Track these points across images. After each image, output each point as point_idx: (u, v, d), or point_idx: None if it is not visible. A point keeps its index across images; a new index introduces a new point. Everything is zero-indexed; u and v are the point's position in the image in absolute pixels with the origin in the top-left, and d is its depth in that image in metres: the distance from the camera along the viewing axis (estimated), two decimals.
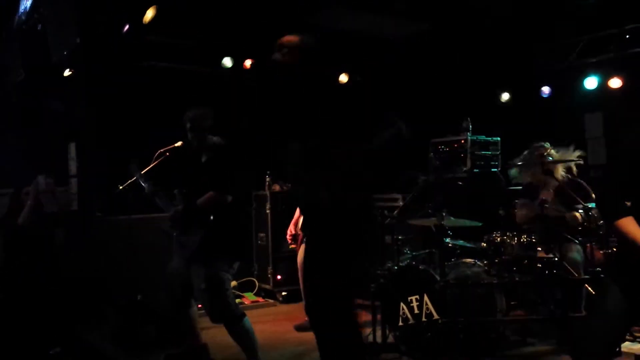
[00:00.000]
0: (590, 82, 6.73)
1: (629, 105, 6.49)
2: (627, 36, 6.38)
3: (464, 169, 5.83)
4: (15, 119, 5.78)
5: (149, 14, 4.97)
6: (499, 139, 6.12)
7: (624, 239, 2.76)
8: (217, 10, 5.75)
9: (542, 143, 4.98)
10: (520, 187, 5.24)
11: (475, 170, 5.86)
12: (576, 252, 4.60)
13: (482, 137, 6.02)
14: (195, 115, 4.04)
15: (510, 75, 7.51)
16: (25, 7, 5.18)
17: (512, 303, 4.50)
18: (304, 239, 4.79)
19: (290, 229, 5.63)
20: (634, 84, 6.45)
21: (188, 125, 4.05)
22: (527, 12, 6.14)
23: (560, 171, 4.83)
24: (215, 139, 4.08)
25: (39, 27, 5.05)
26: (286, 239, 5.73)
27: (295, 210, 5.69)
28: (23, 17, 5.21)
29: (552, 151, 4.90)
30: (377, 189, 3.62)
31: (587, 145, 6.98)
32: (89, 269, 5.28)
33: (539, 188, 4.97)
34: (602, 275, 4.09)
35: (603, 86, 6.65)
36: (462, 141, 5.96)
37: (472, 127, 6.03)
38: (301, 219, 5.46)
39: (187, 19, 5.90)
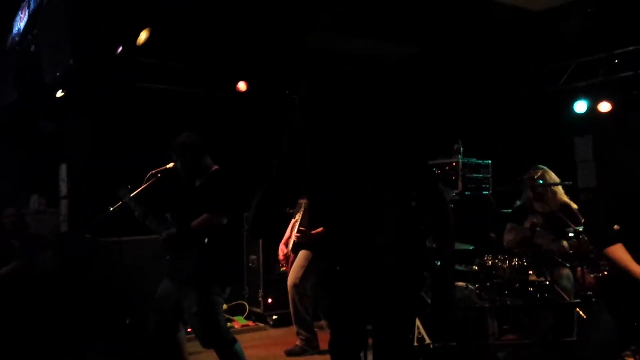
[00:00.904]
0: (580, 106, 6.80)
1: (618, 129, 6.55)
2: (616, 61, 6.48)
3: (456, 191, 5.85)
4: (6, 139, 5.77)
5: (142, 36, 4.99)
6: (490, 162, 6.16)
7: (615, 266, 2.77)
8: (210, 33, 5.79)
9: (539, 166, 5.00)
10: (510, 210, 5.26)
11: (466, 192, 5.88)
12: (566, 279, 4.60)
13: (474, 160, 6.05)
14: (182, 142, 4.02)
15: (500, 98, 7.59)
16: (19, 29, 5.21)
17: (504, 327, 4.48)
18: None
19: (282, 249, 5.60)
20: (623, 108, 6.52)
21: (175, 152, 4.03)
22: (517, 37, 6.22)
23: (558, 197, 4.86)
24: (208, 162, 4.07)
25: (32, 48, 5.07)
26: (278, 260, 5.71)
27: (286, 232, 5.67)
28: (17, 39, 5.24)
29: (551, 174, 4.91)
30: None
31: (577, 169, 7.04)
32: (78, 291, 5.22)
33: (527, 212, 4.98)
34: (593, 300, 4.09)
35: (592, 110, 6.72)
36: (454, 164, 5.99)
37: (463, 150, 6.07)
38: (291, 240, 5.48)
39: (180, 41, 5.93)
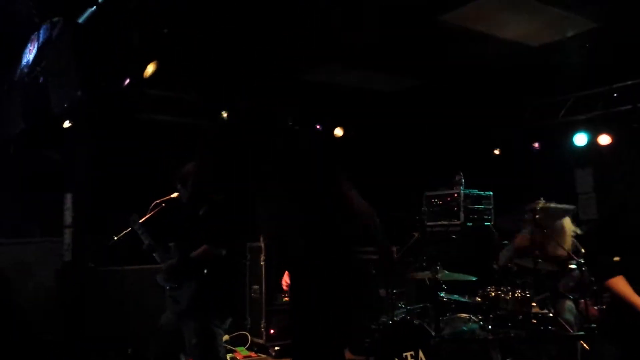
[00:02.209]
0: (580, 139, 6.86)
1: (618, 161, 6.60)
2: (615, 94, 6.56)
3: (457, 222, 5.87)
4: (12, 169, 5.81)
5: (150, 68, 5.08)
6: (491, 193, 6.20)
7: (617, 299, 2.79)
8: (217, 66, 5.90)
9: (540, 201, 4.98)
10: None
11: (468, 223, 5.90)
12: (568, 312, 4.58)
13: (475, 191, 6.09)
14: (186, 172, 4.07)
15: (501, 130, 7.66)
16: (28, 61, 5.30)
17: (507, 359, 4.45)
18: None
19: (285, 279, 5.58)
20: (623, 141, 6.58)
21: (180, 182, 4.08)
22: (518, 70, 6.32)
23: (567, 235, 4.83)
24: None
25: (41, 79, 5.15)
26: (280, 290, 5.68)
27: None
28: (25, 70, 5.32)
29: (551, 205, 4.91)
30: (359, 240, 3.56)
31: (578, 201, 7.07)
32: (80, 321, 5.20)
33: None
34: (596, 332, 4.07)
35: (592, 142, 6.78)
36: (455, 195, 6.03)
37: (464, 181, 6.11)
38: None
39: (187, 73, 6.03)
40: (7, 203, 5.66)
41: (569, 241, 4.81)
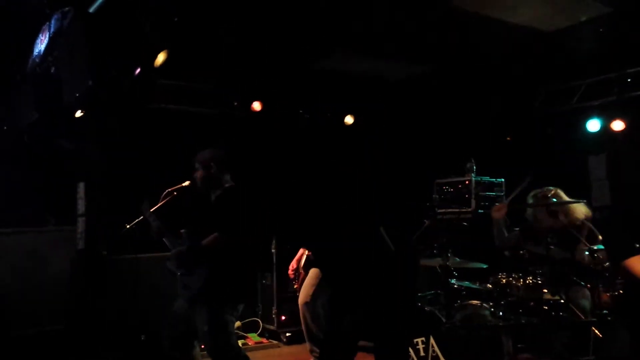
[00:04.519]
0: (593, 125, 6.79)
1: (632, 147, 6.53)
2: (629, 80, 6.48)
3: (469, 209, 5.85)
4: (26, 159, 5.87)
5: (160, 57, 5.09)
6: (503, 180, 6.16)
7: (633, 280, 2.77)
8: (228, 55, 5.90)
9: (550, 187, 4.97)
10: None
11: (479, 211, 5.88)
12: (581, 297, 4.56)
13: (487, 178, 6.06)
14: (208, 155, 4.09)
15: (514, 116, 7.60)
16: (40, 51, 5.32)
17: (519, 346, 4.45)
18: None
19: (292, 265, 5.61)
20: (637, 127, 6.51)
21: (200, 164, 4.10)
22: (530, 55, 6.26)
23: (576, 214, 4.82)
24: (227, 179, 4.12)
25: (53, 69, 5.17)
26: (290, 277, 5.73)
27: (299, 249, 5.70)
28: (37, 60, 5.35)
29: (561, 193, 4.89)
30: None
31: (592, 187, 7.01)
32: (94, 309, 5.26)
33: (537, 230, 4.93)
34: (609, 318, 4.05)
35: (606, 128, 6.71)
36: (467, 182, 6.01)
37: (476, 168, 6.08)
38: (304, 256, 5.50)
39: (198, 62, 6.04)
40: (21, 192, 5.72)
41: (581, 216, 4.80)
